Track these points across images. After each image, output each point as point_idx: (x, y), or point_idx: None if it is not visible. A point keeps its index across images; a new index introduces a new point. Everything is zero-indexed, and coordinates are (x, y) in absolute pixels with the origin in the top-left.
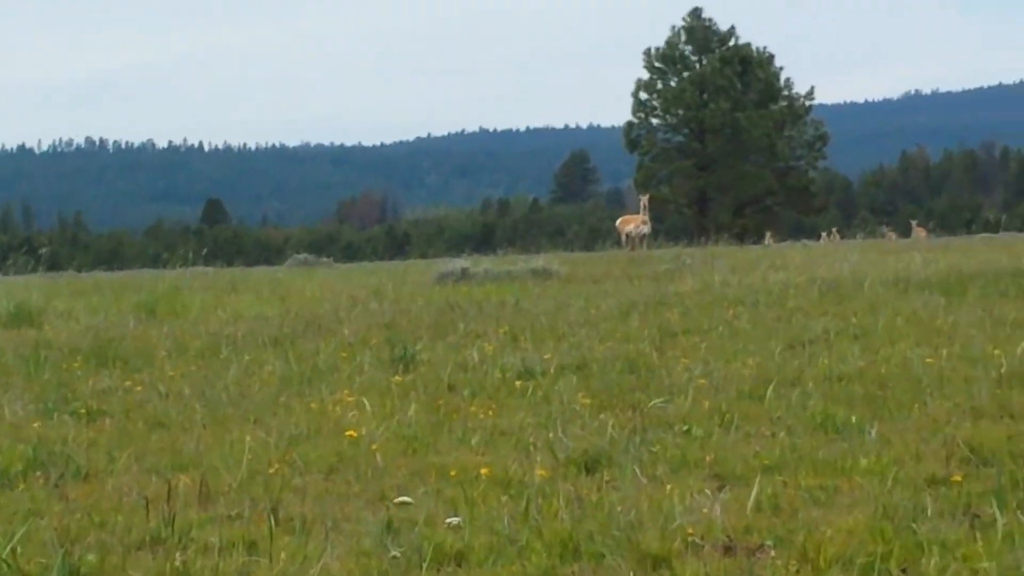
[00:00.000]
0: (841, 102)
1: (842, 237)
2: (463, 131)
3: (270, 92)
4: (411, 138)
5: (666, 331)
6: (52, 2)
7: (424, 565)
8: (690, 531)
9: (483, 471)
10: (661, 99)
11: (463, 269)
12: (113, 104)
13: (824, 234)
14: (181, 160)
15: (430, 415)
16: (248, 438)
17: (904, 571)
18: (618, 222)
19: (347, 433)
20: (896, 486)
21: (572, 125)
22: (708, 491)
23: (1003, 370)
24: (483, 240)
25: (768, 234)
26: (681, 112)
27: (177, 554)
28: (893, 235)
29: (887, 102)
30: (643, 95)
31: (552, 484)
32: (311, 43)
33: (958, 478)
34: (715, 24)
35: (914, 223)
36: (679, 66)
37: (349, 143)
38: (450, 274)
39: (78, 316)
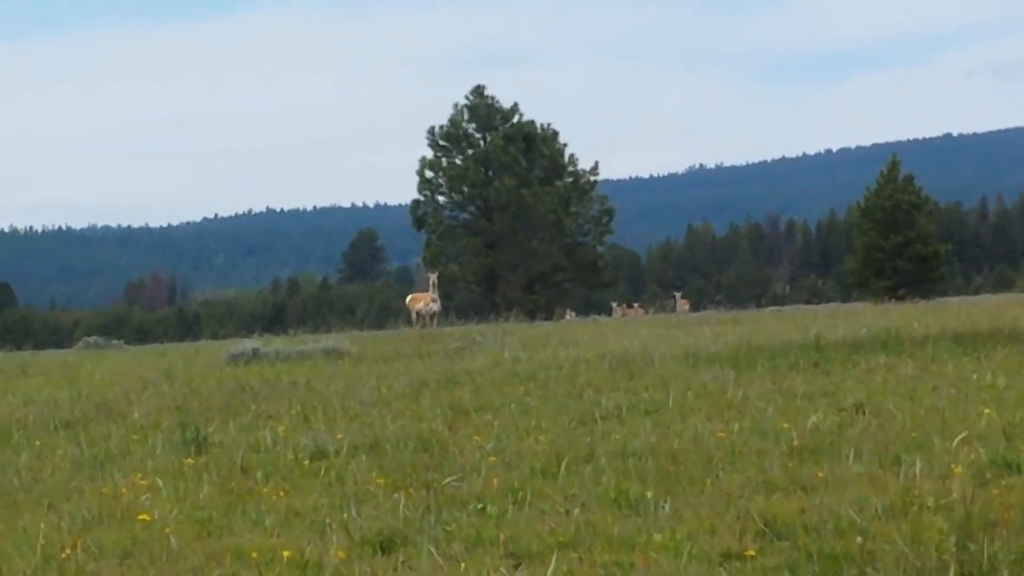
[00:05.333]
0: (627, 177)
1: (645, 312)
2: (250, 211)
3: (53, 175)
4: (198, 219)
5: (458, 409)
6: None
7: None
8: None
9: (285, 553)
10: (446, 177)
11: (254, 349)
12: None
13: (628, 307)
14: None
15: (223, 497)
16: (41, 523)
17: None
18: (408, 300)
19: (140, 517)
20: (691, 561)
21: (359, 204)
22: (504, 569)
23: (794, 443)
24: (274, 320)
25: (567, 310)
26: (466, 189)
27: None
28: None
29: (672, 176)
30: (428, 173)
31: (348, 565)
32: (93, 125)
33: (752, 552)
34: (498, 102)
35: (678, 295)
36: (463, 144)
37: (136, 224)
38: (241, 355)
39: None
